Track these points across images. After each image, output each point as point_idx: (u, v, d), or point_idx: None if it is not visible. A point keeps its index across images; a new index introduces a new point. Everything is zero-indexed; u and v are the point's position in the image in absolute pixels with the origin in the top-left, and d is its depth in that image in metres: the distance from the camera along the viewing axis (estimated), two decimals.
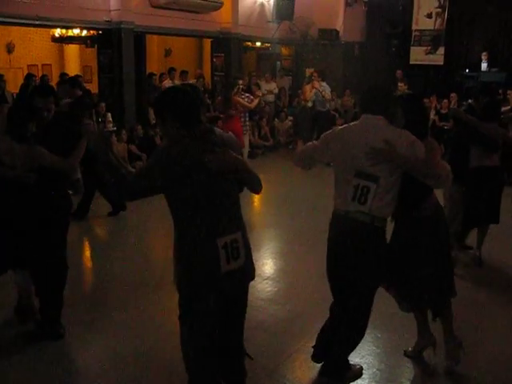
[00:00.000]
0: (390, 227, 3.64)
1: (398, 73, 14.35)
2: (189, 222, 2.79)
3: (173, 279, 2.91)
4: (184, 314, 2.89)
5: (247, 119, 9.46)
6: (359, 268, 3.38)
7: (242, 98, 9.06)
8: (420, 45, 15.35)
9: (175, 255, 2.89)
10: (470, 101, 6.64)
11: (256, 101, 9.41)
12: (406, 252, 3.65)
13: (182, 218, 2.82)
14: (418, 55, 15.41)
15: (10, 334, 4.34)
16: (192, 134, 2.79)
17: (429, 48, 15.23)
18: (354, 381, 3.75)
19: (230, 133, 3.23)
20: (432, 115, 12.73)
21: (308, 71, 15.58)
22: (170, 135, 2.85)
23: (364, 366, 3.90)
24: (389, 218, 3.52)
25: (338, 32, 15.38)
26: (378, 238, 3.39)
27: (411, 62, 15.45)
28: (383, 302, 4.86)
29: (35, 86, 6.78)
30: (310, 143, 3.74)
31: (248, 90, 13.13)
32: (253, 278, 3.10)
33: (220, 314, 2.92)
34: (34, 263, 4.19)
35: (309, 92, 11.47)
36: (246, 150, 9.33)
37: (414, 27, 15.42)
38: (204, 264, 2.80)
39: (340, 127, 3.59)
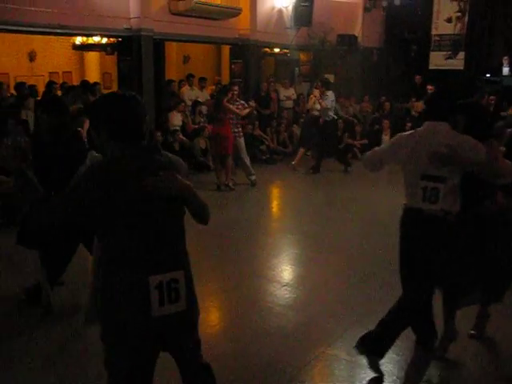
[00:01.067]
0: None
1: (417, 78, 14.28)
2: (121, 249, 2.37)
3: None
4: (106, 352, 2.48)
5: (238, 125, 9.65)
6: (441, 260, 3.49)
7: (236, 105, 9.32)
8: (440, 50, 15.25)
9: (97, 283, 2.55)
10: None
11: (247, 110, 9.69)
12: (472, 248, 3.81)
13: (113, 244, 2.39)
14: (437, 60, 15.31)
15: None
16: (132, 152, 2.41)
17: (449, 53, 15.12)
18: None
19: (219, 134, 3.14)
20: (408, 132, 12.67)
21: (326, 76, 15.60)
22: (105, 151, 2.48)
23: (385, 374, 3.86)
24: None
25: (356, 37, 15.34)
26: (452, 231, 3.49)
27: (430, 67, 15.35)
28: None
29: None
30: (379, 147, 4.01)
31: (266, 96, 13.21)
32: (194, 323, 2.59)
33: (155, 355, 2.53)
34: None
35: (310, 101, 11.47)
36: (244, 153, 9.67)
37: (433, 32, 15.33)
38: (130, 303, 2.35)
39: (406, 133, 3.78)
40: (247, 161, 9.78)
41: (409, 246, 3.60)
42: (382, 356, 3.82)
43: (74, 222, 2.50)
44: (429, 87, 12.19)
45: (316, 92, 11.12)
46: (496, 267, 3.87)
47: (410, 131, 3.79)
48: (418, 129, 3.67)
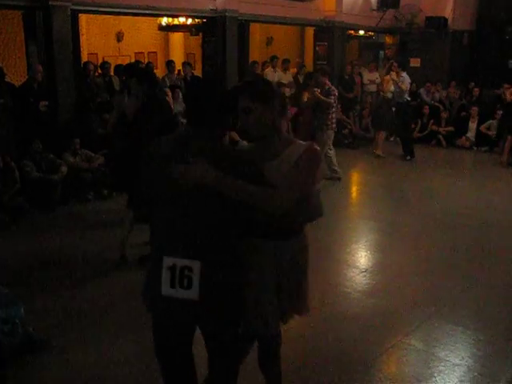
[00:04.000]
0: None
1: (511, 63, 13.55)
2: (153, 228, 2.55)
3: None
4: None
5: (330, 115, 8.70)
6: None
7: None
8: None
9: None
10: None
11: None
12: None
13: (152, 221, 2.56)
14: None
15: None
16: (176, 136, 2.55)
17: None
18: None
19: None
20: None
21: (412, 60, 15.14)
22: None
23: (464, 369, 3.73)
24: None
25: (446, 20, 14.71)
26: None
27: None
28: (488, 303, 4.67)
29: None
30: None
31: (350, 79, 13.01)
32: (214, 317, 2.49)
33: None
34: None
35: (387, 83, 11.11)
36: (326, 148, 8.68)
37: None
38: (150, 278, 2.52)
39: None
40: (333, 157, 8.92)
41: None
42: None
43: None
44: None
45: (393, 74, 10.76)
46: None
47: None
48: None
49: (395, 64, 10.97)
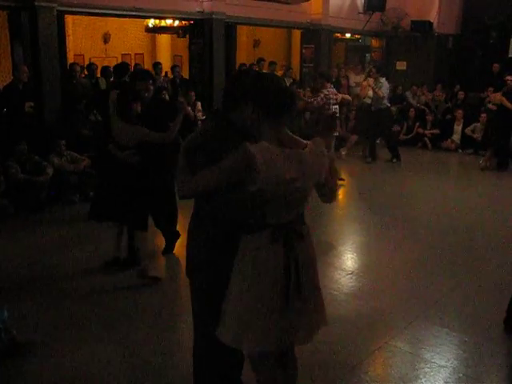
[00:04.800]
0: None
1: (495, 67, 13.66)
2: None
3: None
4: None
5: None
6: None
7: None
8: None
9: None
10: None
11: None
12: None
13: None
14: None
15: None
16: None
17: None
18: None
19: None
20: None
21: (398, 64, 15.23)
22: None
23: (449, 371, 3.75)
24: None
25: (431, 24, 14.82)
26: None
27: (511, 55, 14.64)
28: (472, 305, 4.71)
29: (135, 72, 7.22)
30: None
31: (336, 82, 13.02)
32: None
33: None
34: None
35: (363, 88, 11.11)
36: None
37: None
38: None
39: None
40: None
41: None
42: None
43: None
44: (509, 78, 11.60)
45: (370, 80, 10.69)
46: None
47: None
48: None
49: (373, 69, 10.88)
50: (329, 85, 8.60)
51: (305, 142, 2.53)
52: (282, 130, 2.47)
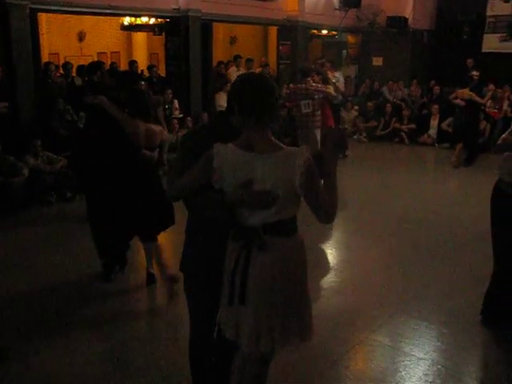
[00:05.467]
0: None
1: (469, 62, 13.83)
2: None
3: None
4: None
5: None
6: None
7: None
8: (494, 32, 14.68)
9: None
10: None
11: None
12: None
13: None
14: (491, 43, 14.74)
15: None
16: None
17: (504, 35, 14.56)
18: None
19: None
20: (505, 106, 12.26)
21: (374, 59, 15.34)
22: None
23: (428, 363, 3.80)
24: None
25: (406, 20, 14.96)
26: None
27: (484, 51, 14.83)
28: (450, 298, 4.77)
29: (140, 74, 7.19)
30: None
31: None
32: None
33: None
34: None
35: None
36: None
37: (488, 13, 14.76)
38: None
39: None
40: None
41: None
42: None
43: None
44: (474, 73, 11.70)
45: (331, 74, 10.56)
46: None
47: None
48: None
49: (327, 64, 10.68)
50: (310, 80, 8.28)
51: (282, 146, 2.45)
52: (259, 133, 2.43)
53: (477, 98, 10.30)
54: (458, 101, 10.75)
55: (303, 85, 8.15)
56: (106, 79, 5.55)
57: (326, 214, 2.49)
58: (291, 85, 8.43)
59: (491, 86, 12.13)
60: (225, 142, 2.40)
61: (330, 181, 2.51)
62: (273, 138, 2.45)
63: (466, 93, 10.60)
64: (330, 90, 8.35)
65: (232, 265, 2.46)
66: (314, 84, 8.23)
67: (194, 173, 2.45)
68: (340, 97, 10.35)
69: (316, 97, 8.11)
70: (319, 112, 8.24)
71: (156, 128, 4.76)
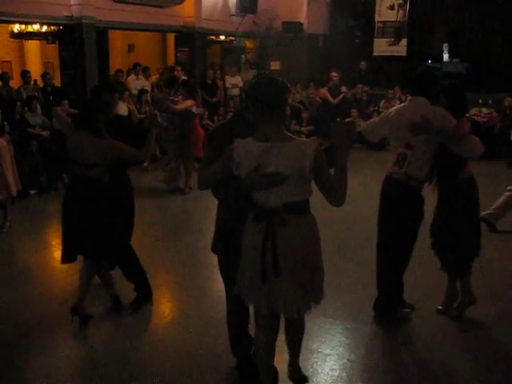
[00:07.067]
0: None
1: (362, 64, 14.47)
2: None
3: None
4: None
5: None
6: (395, 217, 4.17)
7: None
8: (383, 36, 15.50)
9: None
10: None
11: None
12: (447, 214, 4.29)
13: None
14: (381, 47, 15.55)
15: None
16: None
17: (392, 39, 15.39)
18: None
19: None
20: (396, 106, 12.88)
21: (272, 64, 15.63)
22: None
23: (335, 358, 3.93)
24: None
25: (302, 24, 15.40)
26: (411, 194, 4.11)
27: (375, 54, 15.58)
28: (351, 294, 4.95)
29: (104, 84, 6.77)
30: (372, 120, 4.80)
31: (213, 84, 13.12)
32: None
33: None
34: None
35: None
36: None
37: (376, 19, 15.54)
38: None
39: (394, 108, 4.40)
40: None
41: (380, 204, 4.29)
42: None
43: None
44: (333, 74, 12.53)
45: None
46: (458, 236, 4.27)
47: (398, 106, 4.45)
48: (402, 104, 4.41)
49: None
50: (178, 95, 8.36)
51: (295, 137, 2.86)
52: (274, 127, 2.82)
53: (329, 97, 11.16)
54: (316, 99, 11.48)
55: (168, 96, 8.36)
56: None
57: (335, 197, 2.87)
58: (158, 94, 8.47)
59: (344, 88, 13.13)
60: (244, 138, 2.85)
61: (340, 174, 2.86)
62: (285, 131, 2.88)
63: (322, 92, 11.44)
64: (187, 104, 8.32)
65: (260, 244, 2.86)
66: (176, 99, 8.36)
67: (218, 164, 2.94)
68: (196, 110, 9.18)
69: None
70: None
71: None
